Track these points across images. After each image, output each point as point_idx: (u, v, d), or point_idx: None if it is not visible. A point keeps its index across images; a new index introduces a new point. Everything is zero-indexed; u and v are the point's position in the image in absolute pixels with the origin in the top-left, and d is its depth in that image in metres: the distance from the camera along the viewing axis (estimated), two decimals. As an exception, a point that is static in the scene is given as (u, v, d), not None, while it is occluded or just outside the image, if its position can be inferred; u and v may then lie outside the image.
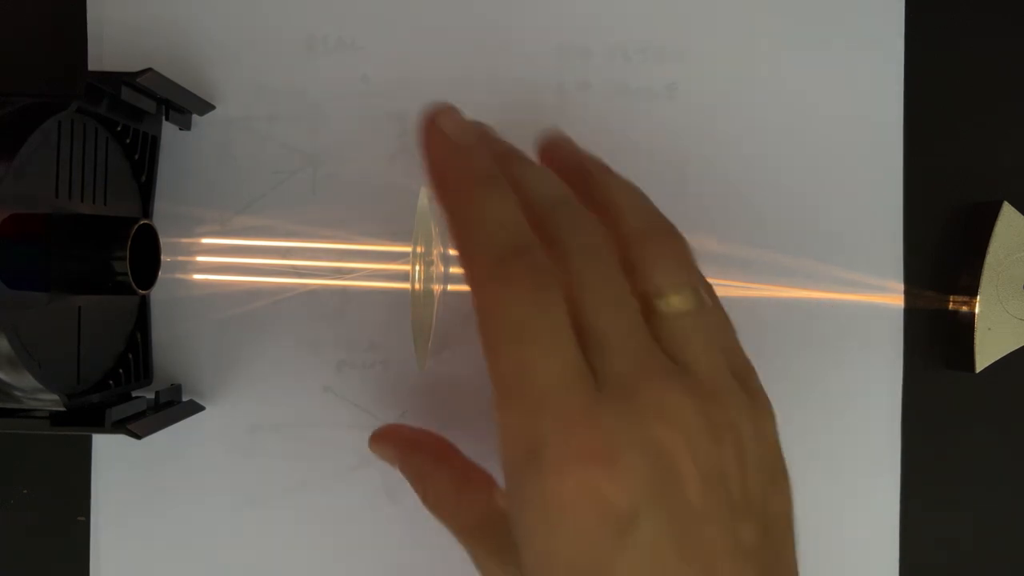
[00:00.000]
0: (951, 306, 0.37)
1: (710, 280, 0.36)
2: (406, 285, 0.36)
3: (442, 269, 0.36)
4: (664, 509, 0.23)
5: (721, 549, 0.23)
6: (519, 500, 0.24)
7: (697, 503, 0.23)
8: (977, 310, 0.35)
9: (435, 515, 0.31)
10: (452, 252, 0.36)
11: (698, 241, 0.36)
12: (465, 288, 0.36)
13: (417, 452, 0.32)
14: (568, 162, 0.30)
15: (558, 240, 0.25)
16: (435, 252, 0.36)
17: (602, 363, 0.24)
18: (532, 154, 0.34)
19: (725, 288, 0.36)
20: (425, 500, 0.31)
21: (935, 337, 0.37)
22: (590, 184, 0.29)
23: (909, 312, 0.36)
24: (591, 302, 0.24)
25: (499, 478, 0.31)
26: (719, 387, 0.26)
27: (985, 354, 0.36)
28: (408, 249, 0.36)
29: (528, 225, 0.25)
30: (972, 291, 0.36)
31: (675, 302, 0.26)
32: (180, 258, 0.37)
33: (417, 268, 0.34)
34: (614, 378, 0.24)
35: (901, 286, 0.36)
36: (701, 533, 0.23)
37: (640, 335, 0.25)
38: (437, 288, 0.35)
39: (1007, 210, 0.36)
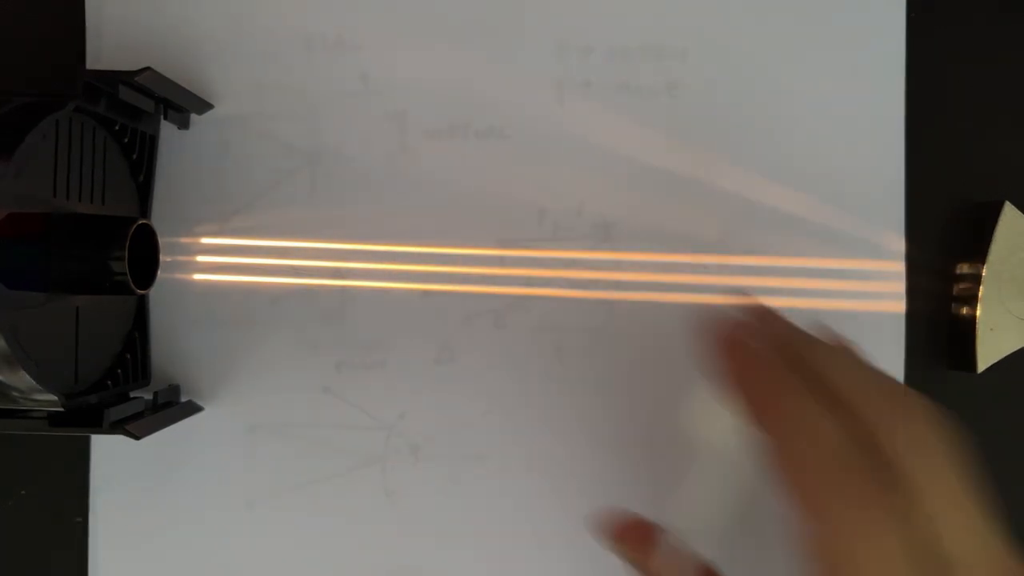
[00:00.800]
0: (953, 306, 0.37)
1: (711, 279, 0.37)
2: (406, 285, 0.36)
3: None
4: None
5: None
6: None
7: None
8: (979, 310, 0.35)
9: None
10: (463, 250, 0.36)
11: (698, 241, 0.36)
12: (463, 288, 0.36)
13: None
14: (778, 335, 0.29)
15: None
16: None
17: None
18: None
19: (723, 288, 0.36)
20: None
21: (937, 337, 0.37)
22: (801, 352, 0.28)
23: (911, 312, 0.36)
24: None
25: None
26: None
27: (987, 354, 0.36)
28: (407, 249, 0.36)
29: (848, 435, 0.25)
30: (974, 291, 0.36)
31: None
32: (179, 258, 0.36)
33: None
34: None
35: (903, 286, 0.36)
36: None
37: None
38: None
39: (1008, 210, 0.36)
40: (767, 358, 0.27)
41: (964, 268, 0.36)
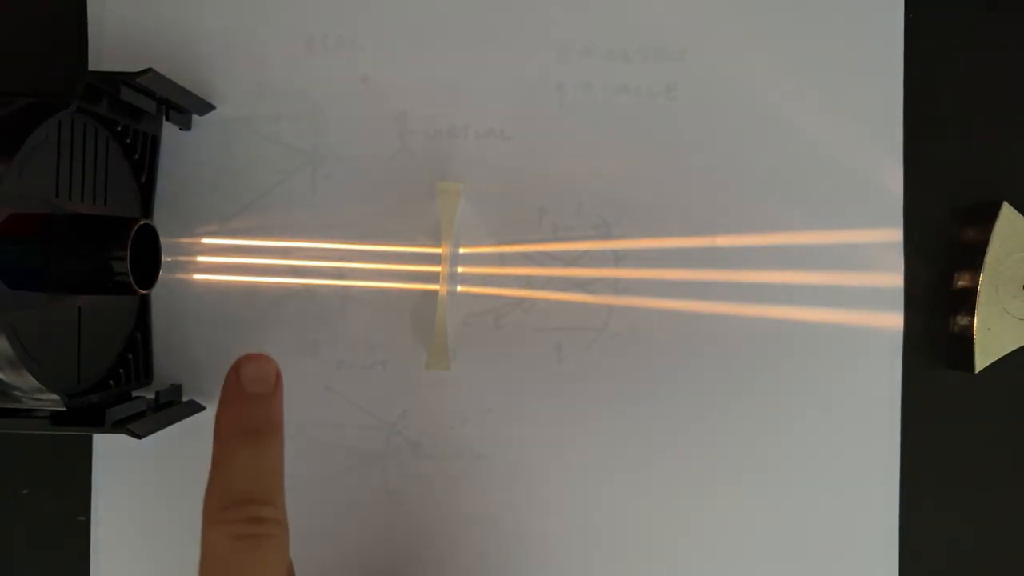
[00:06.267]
0: (951, 306, 0.37)
1: (710, 276, 0.37)
2: (406, 285, 0.36)
3: (447, 270, 0.36)
4: None
5: None
6: None
7: None
8: (977, 310, 0.35)
9: None
10: (463, 250, 0.37)
11: (697, 241, 0.37)
12: (463, 288, 0.36)
13: None
14: None
15: None
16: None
17: None
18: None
19: (723, 286, 0.36)
20: None
21: (935, 337, 0.37)
22: None
23: (909, 311, 0.36)
24: None
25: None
26: None
27: (985, 354, 0.36)
28: (407, 249, 0.36)
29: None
30: (972, 291, 0.36)
31: None
32: (180, 258, 0.37)
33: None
34: None
35: (901, 286, 0.36)
36: None
37: None
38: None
39: (1007, 210, 0.36)
40: None
41: (962, 268, 0.37)
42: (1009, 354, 0.36)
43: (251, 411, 0.29)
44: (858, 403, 0.36)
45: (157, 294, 0.36)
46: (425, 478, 0.37)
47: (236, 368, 0.29)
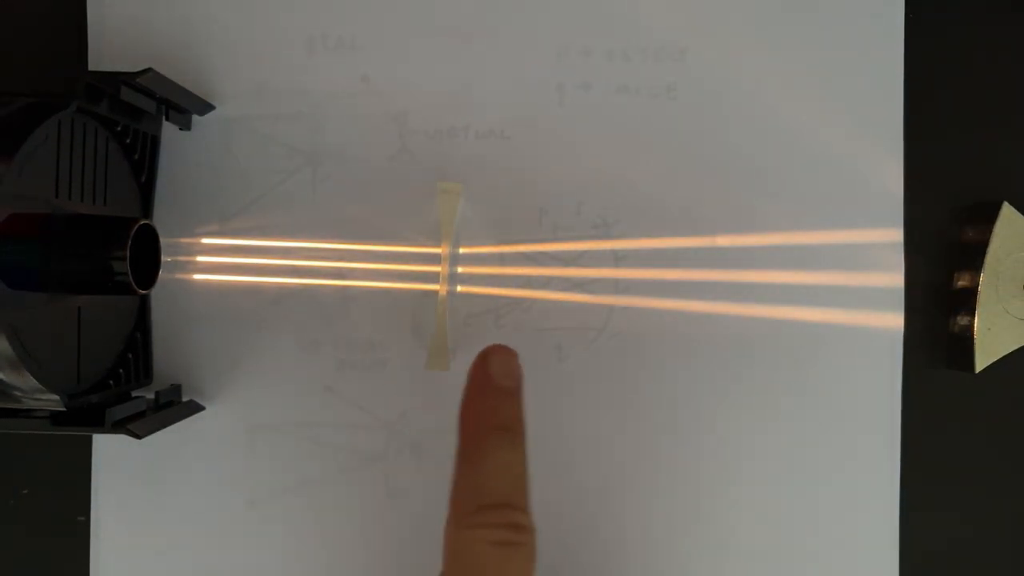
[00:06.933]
0: (951, 306, 0.37)
1: (710, 276, 0.37)
2: (406, 285, 0.36)
3: (447, 270, 0.36)
4: None
5: None
6: None
7: None
8: (977, 310, 0.35)
9: None
10: (462, 250, 0.37)
11: (697, 241, 0.37)
12: (464, 288, 0.36)
13: None
14: None
15: None
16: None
17: None
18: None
19: (723, 286, 0.36)
20: None
21: (935, 337, 0.37)
22: None
23: (909, 312, 0.36)
24: None
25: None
26: None
27: (985, 354, 0.36)
28: (407, 249, 0.36)
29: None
30: (972, 291, 0.36)
31: None
32: (180, 258, 0.37)
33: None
34: None
35: (901, 286, 0.36)
36: None
37: None
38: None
39: (1007, 210, 0.36)
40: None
41: (962, 268, 0.37)
42: (1009, 354, 0.36)
43: (502, 405, 0.27)
44: (858, 403, 0.36)
45: (157, 294, 0.36)
46: (425, 478, 0.37)
47: (484, 359, 0.27)
